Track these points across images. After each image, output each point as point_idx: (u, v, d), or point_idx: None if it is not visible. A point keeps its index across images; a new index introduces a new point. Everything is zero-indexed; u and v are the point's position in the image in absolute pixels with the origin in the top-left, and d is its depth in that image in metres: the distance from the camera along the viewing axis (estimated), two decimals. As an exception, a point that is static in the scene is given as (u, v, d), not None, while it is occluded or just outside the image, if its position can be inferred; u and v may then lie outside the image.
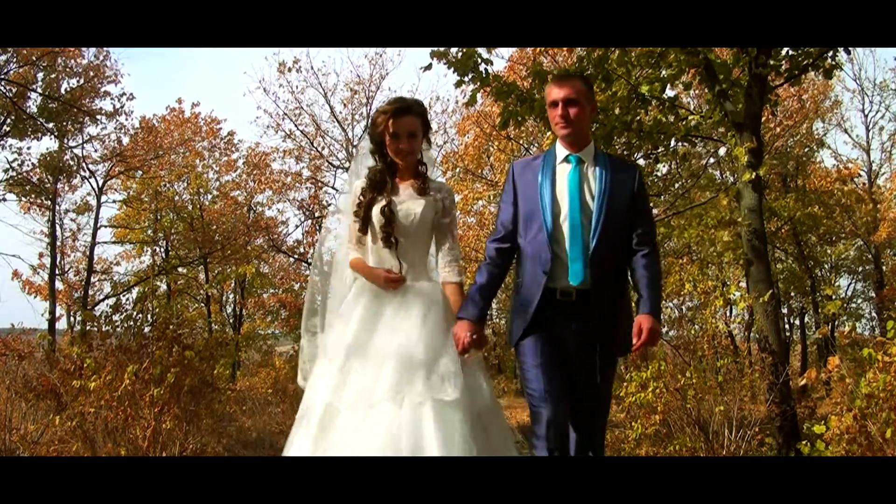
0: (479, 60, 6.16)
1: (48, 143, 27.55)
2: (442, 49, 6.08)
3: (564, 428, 2.70)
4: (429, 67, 6.28)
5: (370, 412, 2.58)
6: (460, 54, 6.10)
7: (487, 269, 2.88)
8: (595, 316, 2.71)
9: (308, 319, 3.14)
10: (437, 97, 21.45)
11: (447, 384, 2.64)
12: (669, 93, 7.10)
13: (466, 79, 6.22)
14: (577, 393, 2.73)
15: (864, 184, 16.58)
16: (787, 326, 17.54)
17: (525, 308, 2.78)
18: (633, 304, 2.96)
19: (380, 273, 2.91)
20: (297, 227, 19.09)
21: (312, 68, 21.96)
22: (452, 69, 6.15)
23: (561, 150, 2.86)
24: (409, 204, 2.96)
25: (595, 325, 2.72)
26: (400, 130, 2.91)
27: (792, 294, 16.71)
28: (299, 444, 2.70)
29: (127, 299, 7.83)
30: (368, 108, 16.77)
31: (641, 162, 7.35)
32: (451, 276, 2.99)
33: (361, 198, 2.99)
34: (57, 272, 16.03)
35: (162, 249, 18.37)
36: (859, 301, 18.62)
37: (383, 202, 2.93)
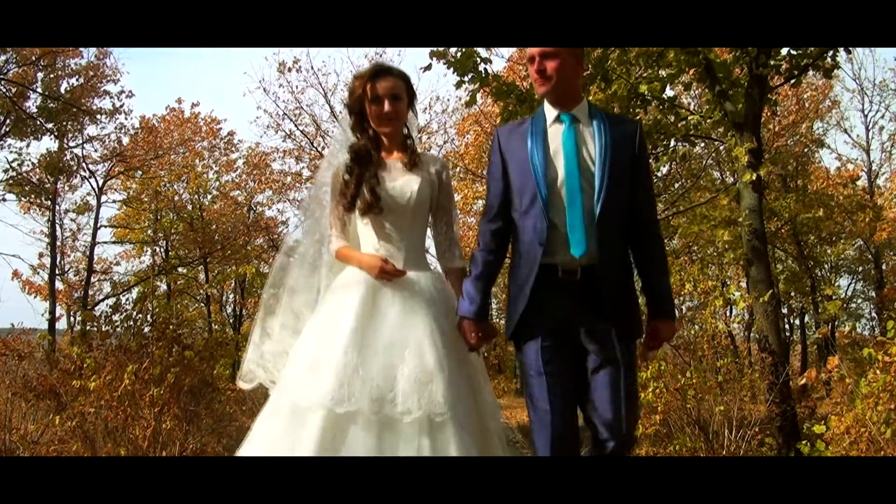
0: (479, 60, 6.17)
1: (48, 143, 27.57)
2: (442, 49, 6.09)
3: (572, 444, 2.38)
4: (429, 67, 6.30)
5: (385, 428, 2.33)
6: (460, 54, 6.11)
7: (482, 257, 2.57)
8: (604, 294, 2.39)
9: (266, 324, 2.91)
10: (437, 97, 21.53)
11: (463, 397, 2.43)
12: (669, 92, 7.11)
13: (466, 79, 6.23)
14: (598, 392, 2.39)
15: (864, 188, 16.60)
16: (787, 326, 17.57)
17: (520, 290, 2.44)
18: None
19: (374, 261, 2.55)
20: (296, 227, 19.08)
21: (312, 68, 21.90)
22: (452, 69, 6.16)
23: (550, 111, 2.54)
24: (403, 181, 2.64)
25: (605, 307, 2.38)
26: (381, 93, 2.61)
27: (792, 294, 16.72)
28: (290, 451, 2.38)
29: (127, 299, 7.85)
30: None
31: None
32: (455, 261, 2.72)
33: (346, 176, 2.65)
34: (57, 272, 16.06)
35: (162, 249, 18.42)
36: (859, 301, 18.73)
37: (371, 177, 2.61)
